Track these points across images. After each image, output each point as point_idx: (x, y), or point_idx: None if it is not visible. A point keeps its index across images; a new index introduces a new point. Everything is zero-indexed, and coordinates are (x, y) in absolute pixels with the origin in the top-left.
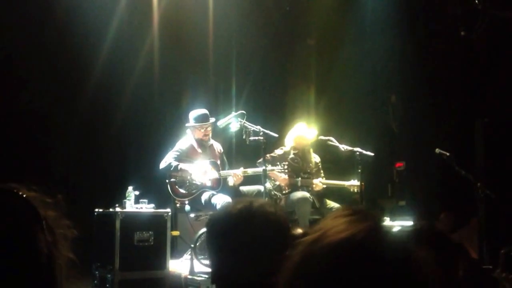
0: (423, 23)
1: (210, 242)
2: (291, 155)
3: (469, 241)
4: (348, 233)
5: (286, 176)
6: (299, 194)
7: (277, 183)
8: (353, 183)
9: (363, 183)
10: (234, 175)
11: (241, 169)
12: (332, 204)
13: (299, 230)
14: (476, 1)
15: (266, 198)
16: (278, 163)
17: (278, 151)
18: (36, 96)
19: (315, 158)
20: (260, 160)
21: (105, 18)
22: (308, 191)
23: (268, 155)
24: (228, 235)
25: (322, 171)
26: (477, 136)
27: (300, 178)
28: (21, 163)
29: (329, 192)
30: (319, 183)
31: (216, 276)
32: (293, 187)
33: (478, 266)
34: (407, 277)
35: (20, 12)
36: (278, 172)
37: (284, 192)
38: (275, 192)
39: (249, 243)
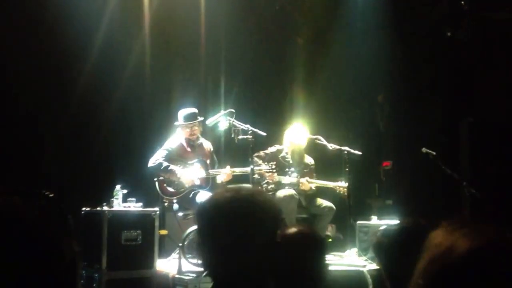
0: (410, 23)
1: (198, 231)
2: (283, 154)
3: None
4: (476, 243)
5: (273, 174)
6: (284, 191)
7: (266, 181)
8: (340, 184)
9: (349, 183)
10: (224, 174)
11: (228, 167)
12: (321, 201)
13: (294, 229)
14: (462, 2)
15: None
16: (266, 162)
17: (271, 149)
18: (24, 94)
19: (309, 160)
20: (257, 154)
21: (95, 17)
22: (295, 190)
23: (262, 152)
24: (217, 225)
25: (314, 174)
26: (462, 135)
27: (287, 176)
28: (8, 160)
29: (317, 191)
30: (306, 182)
31: (207, 266)
32: (280, 185)
33: None
34: None
35: (10, 11)
36: (265, 171)
37: (270, 190)
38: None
39: (238, 232)
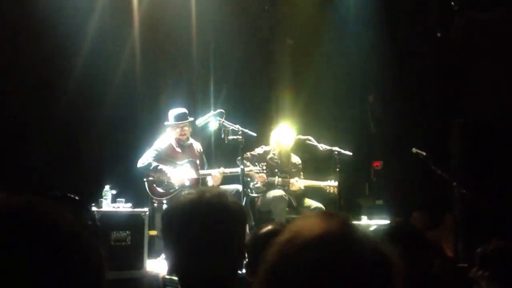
0: (400, 24)
1: (163, 233)
2: (270, 155)
3: (445, 239)
4: (321, 229)
5: (263, 174)
6: (274, 192)
7: (256, 182)
8: (330, 184)
9: (339, 183)
10: (214, 177)
11: (222, 169)
12: (310, 202)
13: (269, 227)
14: (452, 3)
15: (244, 198)
16: (256, 163)
17: (258, 150)
18: (12, 94)
19: (296, 159)
20: (244, 156)
21: (85, 17)
22: (285, 191)
23: (248, 153)
24: (182, 226)
25: (302, 173)
26: (453, 135)
27: (277, 177)
28: None
29: (307, 191)
30: (296, 182)
31: (172, 267)
32: (270, 186)
33: (453, 264)
34: (380, 267)
35: None
36: (256, 172)
37: (259, 191)
38: (253, 191)
39: (203, 233)
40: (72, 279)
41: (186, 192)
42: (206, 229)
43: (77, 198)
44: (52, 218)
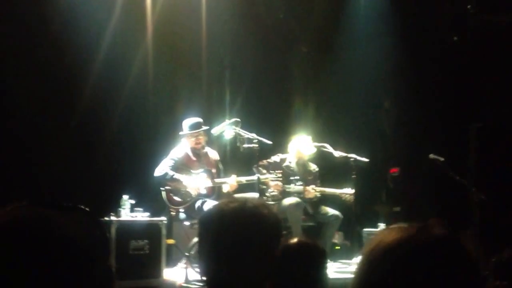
0: (415, 28)
1: (199, 238)
2: (286, 163)
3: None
4: (401, 235)
5: (278, 183)
6: (290, 200)
7: (272, 190)
8: (346, 191)
9: (356, 191)
10: (230, 186)
11: (233, 176)
12: (326, 210)
13: (295, 239)
14: (468, 7)
15: None
16: (271, 171)
17: (274, 158)
18: (28, 103)
19: (312, 167)
20: (260, 163)
21: (99, 27)
22: (301, 198)
23: (265, 161)
24: (220, 234)
25: (318, 181)
26: (470, 141)
27: (292, 185)
28: (13, 171)
29: (324, 198)
30: (311, 190)
31: (205, 274)
32: (286, 194)
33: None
34: (462, 269)
35: (14, 19)
36: (271, 180)
37: (275, 198)
38: (269, 198)
39: (240, 243)
40: None
41: (227, 200)
42: (243, 239)
43: (87, 209)
44: (60, 231)
